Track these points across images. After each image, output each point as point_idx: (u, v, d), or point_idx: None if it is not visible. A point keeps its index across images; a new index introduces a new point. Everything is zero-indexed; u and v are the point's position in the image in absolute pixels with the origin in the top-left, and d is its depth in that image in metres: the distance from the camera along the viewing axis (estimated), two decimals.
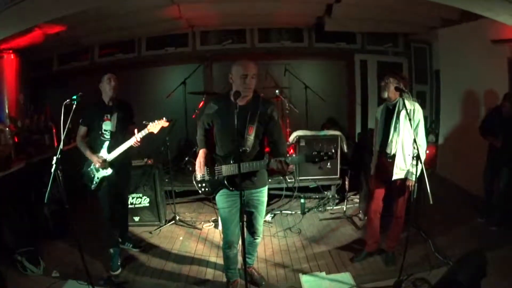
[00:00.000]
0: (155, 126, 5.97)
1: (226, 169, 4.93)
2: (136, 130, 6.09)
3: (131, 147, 6.09)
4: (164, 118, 6.02)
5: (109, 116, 6.20)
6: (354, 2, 9.28)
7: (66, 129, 4.90)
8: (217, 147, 5.12)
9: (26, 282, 5.98)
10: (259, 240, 5.62)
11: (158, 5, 9.00)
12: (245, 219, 5.22)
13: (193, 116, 9.45)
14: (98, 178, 6.19)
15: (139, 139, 5.98)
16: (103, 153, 6.17)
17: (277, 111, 4.99)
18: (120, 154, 6.14)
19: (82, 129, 6.24)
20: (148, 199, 7.94)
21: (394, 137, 5.85)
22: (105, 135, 6.20)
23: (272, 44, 11.98)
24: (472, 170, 8.54)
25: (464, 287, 4.46)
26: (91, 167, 6.21)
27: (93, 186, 6.23)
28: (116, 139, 6.18)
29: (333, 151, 4.46)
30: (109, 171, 6.16)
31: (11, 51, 9.09)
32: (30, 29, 7.95)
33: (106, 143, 6.18)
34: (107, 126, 6.19)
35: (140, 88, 11.59)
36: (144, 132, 6.00)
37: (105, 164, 6.09)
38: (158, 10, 9.25)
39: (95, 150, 6.19)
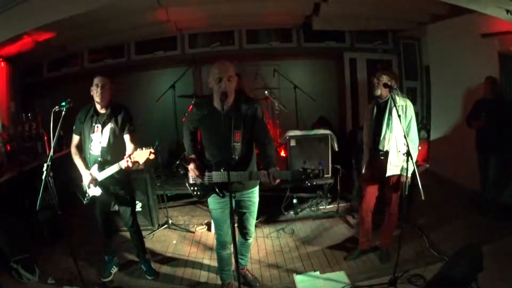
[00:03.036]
0: (141, 156, 5.23)
1: (216, 176, 4.89)
2: (129, 138, 5.63)
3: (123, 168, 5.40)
4: (149, 148, 5.27)
5: (100, 127, 5.56)
6: (341, 0, 9.31)
7: (56, 136, 4.85)
8: (206, 152, 5.07)
9: None
10: (251, 240, 5.62)
11: (146, 9, 8.98)
12: (236, 220, 5.27)
13: (183, 119, 9.42)
14: (89, 195, 5.75)
15: (130, 165, 5.31)
16: (94, 170, 5.61)
17: (261, 109, 4.91)
18: (112, 174, 5.52)
19: (75, 138, 5.73)
20: (140, 204, 7.88)
21: (387, 134, 5.88)
22: (93, 149, 5.62)
23: (260, 45, 11.98)
24: (465, 165, 8.60)
25: (460, 281, 4.49)
26: (84, 181, 5.69)
27: (85, 201, 5.82)
28: (109, 155, 5.61)
29: (320, 169, 4.42)
30: (98, 192, 5.67)
31: (1, 59, 9.06)
32: (20, 36, 7.93)
33: (97, 160, 5.60)
34: (97, 138, 5.57)
35: (130, 92, 11.55)
36: (129, 161, 5.28)
37: (95, 183, 5.58)
38: (146, 13, 9.25)
39: (87, 163, 5.69)
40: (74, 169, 5.75)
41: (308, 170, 4.38)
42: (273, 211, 8.61)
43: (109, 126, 5.57)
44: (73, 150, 5.73)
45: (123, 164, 5.32)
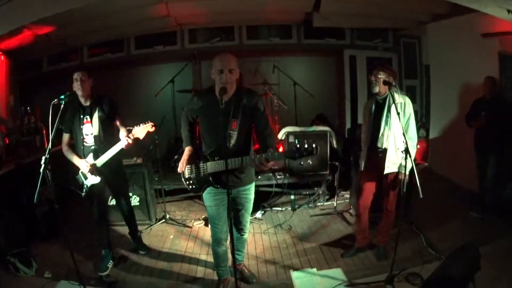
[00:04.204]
0: (140, 132, 5.68)
1: (211, 166, 4.89)
2: (118, 122, 5.95)
3: (121, 149, 5.74)
4: (149, 122, 5.73)
5: (88, 118, 5.82)
6: None
7: (55, 129, 4.87)
8: (203, 144, 5.08)
9: (18, 283, 5.97)
10: (246, 235, 5.64)
11: (146, 4, 9.00)
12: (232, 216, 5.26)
13: (183, 114, 9.40)
14: (87, 185, 5.90)
15: (131, 141, 5.62)
16: (89, 160, 5.80)
17: (262, 102, 4.91)
18: (106, 163, 5.84)
19: (66, 136, 5.91)
20: (138, 198, 7.93)
21: (386, 131, 5.85)
22: (87, 140, 5.86)
23: (260, 41, 11.95)
24: (463, 164, 8.60)
25: (457, 281, 4.48)
26: (79, 174, 5.89)
27: (83, 194, 5.94)
28: (102, 142, 5.84)
29: (313, 146, 4.36)
30: (97, 179, 5.84)
31: (1, 53, 9.06)
32: (19, 30, 7.93)
33: (91, 149, 5.83)
34: (88, 129, 5.83)
35: (129, 87, 11.62)
36: (130, 138, 5.66)
37: (94, 169, 5.76)
38: (146, 8, 9.25)
39: (81, 156, 5.84)
40: (70, 164, 5.81)
41: (301, 148, 4.36)
42: (270, 206, 8.66)
43: (96, 115, 5.82)
44: (65, 147, 5.90)
45: (124, 143, 5.61)
